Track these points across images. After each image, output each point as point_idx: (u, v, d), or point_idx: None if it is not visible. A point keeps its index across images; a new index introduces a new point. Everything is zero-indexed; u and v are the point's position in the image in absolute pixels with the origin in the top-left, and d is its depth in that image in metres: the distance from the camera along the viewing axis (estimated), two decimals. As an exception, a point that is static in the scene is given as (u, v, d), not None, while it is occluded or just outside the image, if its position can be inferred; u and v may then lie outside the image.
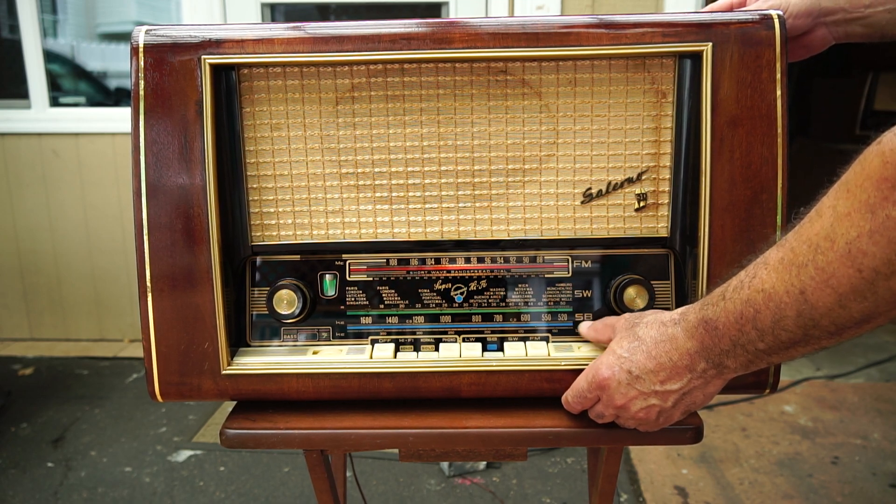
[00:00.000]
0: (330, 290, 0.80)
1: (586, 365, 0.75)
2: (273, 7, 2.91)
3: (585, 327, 0.77)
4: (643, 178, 0.77)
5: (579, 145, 0.76)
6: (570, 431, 0.75)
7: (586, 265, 0.79)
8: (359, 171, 0.77)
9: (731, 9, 0.81)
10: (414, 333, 0.80)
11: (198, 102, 0.73)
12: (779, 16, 0.72)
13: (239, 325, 0.80)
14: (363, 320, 0.80)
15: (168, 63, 0.73)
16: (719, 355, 0.64)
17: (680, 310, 0.67)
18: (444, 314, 0.80)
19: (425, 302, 0.80)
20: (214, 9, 2.78)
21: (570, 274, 0.79)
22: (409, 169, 0.77)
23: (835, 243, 0.53)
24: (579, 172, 0.77)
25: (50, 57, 3.09)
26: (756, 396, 2.46)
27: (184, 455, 2.18)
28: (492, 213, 0.78)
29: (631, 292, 0.77)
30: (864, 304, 0.54)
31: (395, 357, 0.77)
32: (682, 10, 2.23)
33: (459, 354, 0.77)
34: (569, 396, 0.74)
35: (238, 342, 0.80)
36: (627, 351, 0.68)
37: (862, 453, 2.15)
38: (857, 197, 0.51)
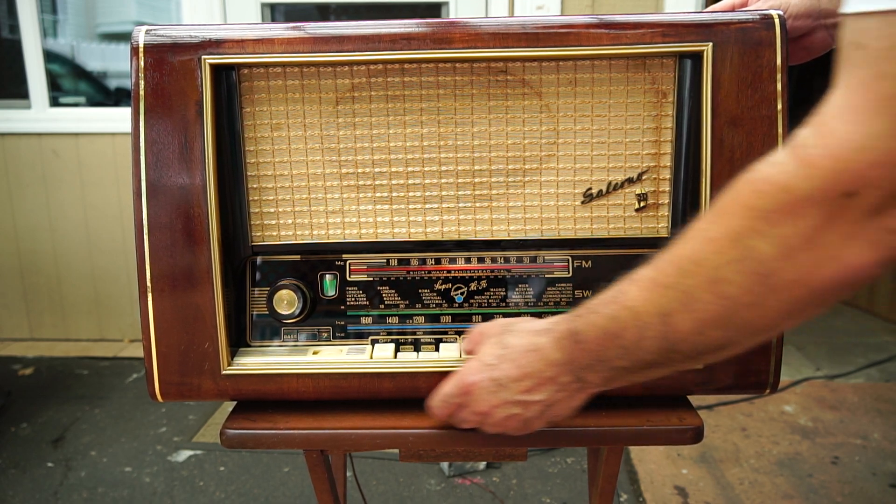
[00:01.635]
0: (330, 291, 0.80)
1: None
2: (273, 7, 2.91)
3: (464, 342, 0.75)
4: (643, 178, 0.77)
5: (579, 145, 0.76)
6: (570, 431, 0.75)
7: (587, 265, 0.79)
8: (359, 171, 0.77)
9: (732, 9, 0.81)
10: (414, 333, 0.80)
11: (198, 102, 0.73)
12: (779, 16, 0.72)
13: (239, 325, 0.80)
14: (363, 320, 0.80)
15: (168, 63, 0.73)
16: (582, 369, 0.62)
17: (552, 319, 0.65)
18: (445, 314, 0.80)
19: (425, 302, 0.80)
20: (214, 9, 2.78)
21: (570, 274, 0.79)
22: (410, 169, 0.77)
23: (700, 268, 0.52)
24: (579, 172, 0.77)
25: (50, 57, 3.09)
26: (756, 396, 2.46)
27: (184, 455, 2.18)
28: (492, 213, 0.78)
29: (631, 292, 0.77)
30: (722, 332, 0.53)
31: (396, 357, 0.77)
32: (683, 10, 2.23)
33: (460, 355, 0.77)
34: (433, 402, 0.71)
35: (238, 342, 0.80)
36: (495, 358, 0.66)
37: (862, 453, 2.15)
38: (726, 224, 0.51)
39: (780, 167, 0.48)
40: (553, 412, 0.66)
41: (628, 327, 0.57)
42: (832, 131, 0.45)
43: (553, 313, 0.79)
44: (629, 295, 0.57)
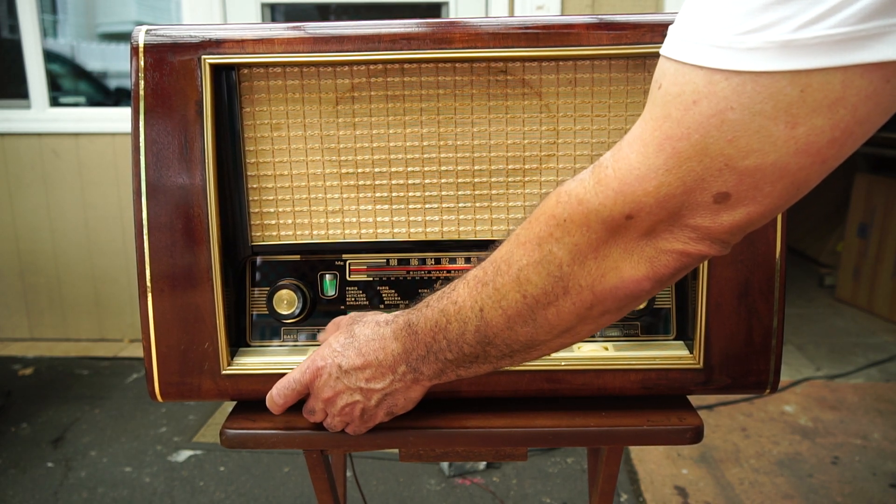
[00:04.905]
0: (330, 290, 0.80)
1: (586, 365, 0.75)
2: (273, 7, 2.91)
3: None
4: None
5: (579, 145, 0.76)
6: (570, 431, 0.75)
7: (586, 265, 0.79)
8: (359, 171, 0.77)
9: None
10: (414, 333, 0.80)
11: (198, 102, 0.73)
12: (779, 16, 0.72)
13: (239, 325, 0.80)
14: (363, 320, 0.80)
15: (168, 63, 0.73)
16: (416, 360, 0.66)
17: (396, 312, 0.69)
18: (445, 314, 0.80)
19: (425, 302, 0.80)
20: (214, 9, 2.78)
21: (570, 274, 0.79)
22: (409, 169, 0.77)
23: (510, 267, 0.57)
24: (579, 172, 0.76)
25: (50, 57, 3.09)
26: (756, 396, 2.46)
27: (184, 455, 2.18)
28: (492, 213, 0.77)
29: (631, 292, 0.77)
30: (527, 328, 0.59)
31: (396, 357, 0.77)
32: (682, 10, 2.23)
33: None
34: (275, 391, 0.72)
35: (238, 342, 0.80)
36: (342, 346, 0.69)
37: (862, 453, 2.15)
38: (533, 229, 0.56)
39: (580, 183, 0.53)
40: (392, 402, 0.70)
41: (452, 321, 0.62)
42: (624, 157, 0.50)
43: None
44: (457, 291, 0.62)
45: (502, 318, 0.59)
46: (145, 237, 0.75)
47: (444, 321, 0.63)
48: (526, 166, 0.76)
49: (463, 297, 0.61)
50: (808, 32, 0.41)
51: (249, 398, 0.78)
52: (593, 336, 0.79)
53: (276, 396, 0.72)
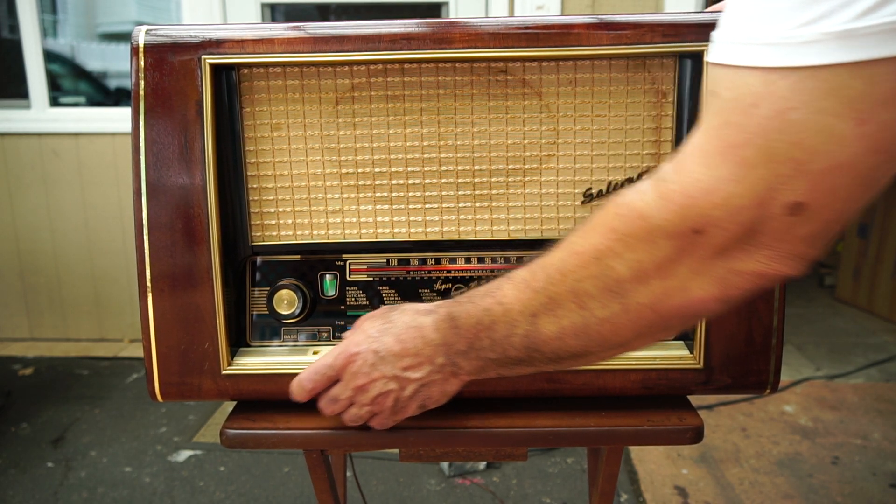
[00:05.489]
0: (330, 290, 0.80)
1: (587, 365, 0.75)
2: (273, 7, 2.91)
3: None
4: (644, 178, 0.76)
5: (580, 145, 0.76)
6: (571, 431, 0.75)
7: (586, 265, 0.79)
8: (359, 171, 0.77)
9: None
10: (414, 333, 0.80)
11: (198, 102, 0.73)
12: (779, 16, 0.72)
13: (239, 325, 0.80)
14: (363, 320, 0.80)
15: (168, 63, 0.73)
16: (456, 354, 0.64)
17: (437, 302, 0.67)
18: (445, 314, 0.80)
19: (426, 302, 0.80)
20: (214, 9, 2.78)
21: (570, 274, 0.79)
22: (410, 169, 0.77)
23: (565, 278, 0.55)
24: (580, 172, 0.77)
25: (50, 57, 3.09)
26: (756, 396, 2.46)
27: (184, 455, 2.18)
28: (492, 213, 0.78)
29: (631, 292, 0.77)
30: (579, 341, 0.56)
31: (396, 357, 0.77)
32: (683, 10, 2.23)
33: None
34: (304, 376, 0.70)
35: (238, 342, 0.80)
36: (378, 331, 0.67)
37: (862, 453, 2.15)
38: (590, 240, 0.54)
39: (641, 195, 0.51)
40: (427, 394, 0.67)
41: (498, 322, 0.60)
42: (687, 170, 0.47)
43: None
44: (503, 291, 0.60)
45: (554, 329, 0.57)
46: (145, 237, 0.75)
47: (488, 320, 0.60)
48: (526, 166, 0.76)
49: (510, 299, 0.59)
50: (869, 20, 0.38)
51: (250, 398, 0.78)
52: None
53: (306, 381, 0.70)
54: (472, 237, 0.78)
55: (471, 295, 0.63)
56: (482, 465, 2.06)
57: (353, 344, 0.68)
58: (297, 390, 0.70)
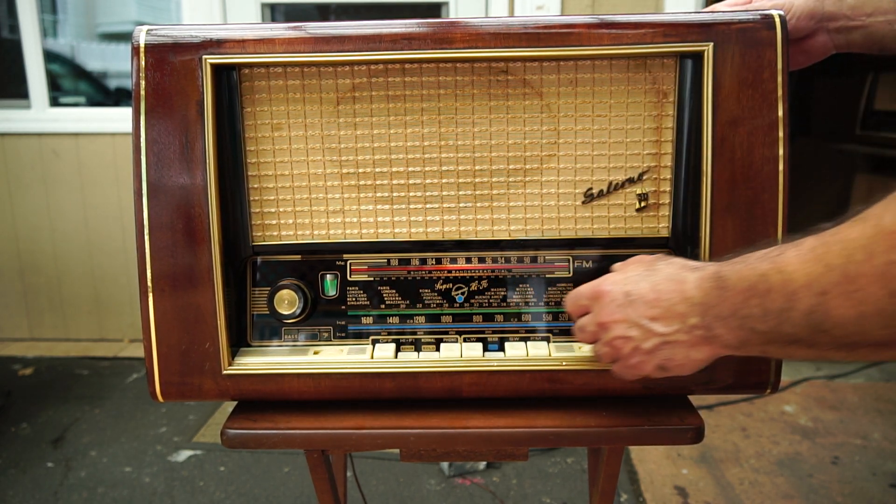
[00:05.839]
0: (331, 290, 0.80)
1: (587, 365, 0.75)
2: (273, 7, 2.91)
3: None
4: (644, 178, 0.77)
5: (580, 145, 0.76)
6: (571, 431, 0.75)
7: (587, 265, 0.79)
8: (360, 171, 0.77)
9: (734, 7, 0.81)
10: (415, 333, 0.80)
11: (199, 102, 0.73)
12: (780, 16, 0.72)
13: (240, 325, 0.80)
14: (364, 320, 0.80)
15: (169, 63, 0.73)
16: (714, 318, 0.59)
17: (707, 261, 0.64)
18: (445, 314, 0.80)
19: (426, 302, 0.80)
20: (214, 9, 2.78)
21: (570, 274, 0.79)
22: (410, 169, 0.77)
23: (872, 258, 0.48)
24: (580, 172, 0.77)
25: (50, 57, 3.09)
26: (756, 396, 2.46)
27: (184, 455, 2.17)
28: (493, 213, 0.78)
29: (632, 292, 0.77)
30: (886, 331, 0.49)
31: (396, 357, 0.77)
32: (683, 10, 2.23)
33: (460, 354, 0.77)
34: (568, 296, 0.72)
35: (239, 342, 0.80)
36: (637, 276, 0.65)
37: (862, 453, 2.15)
38: None
39: None
40: (669, 355, 0.63)
41: (775, 291, 0.54)
42: None
43: (554, 314, 0.79)
44: (786, 258, 0.54)
45: (853, 312, 0.49)
46: (146, 237, 0.75)
47: (763, 287, 0.54)
48: (527, 166, 0.76)
49: (794, 268, 0.52)
50: None
51: (250, 398, 0.78)
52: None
53: (567, 304, 0.71)
54: (472, 237, 0.78)
55: (745, 256, 0.58)
56: (482, 465, 2.06)
57: (609, 282, 0.66)
58: (567, 306, 0.72)
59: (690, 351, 0.62)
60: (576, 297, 0.70)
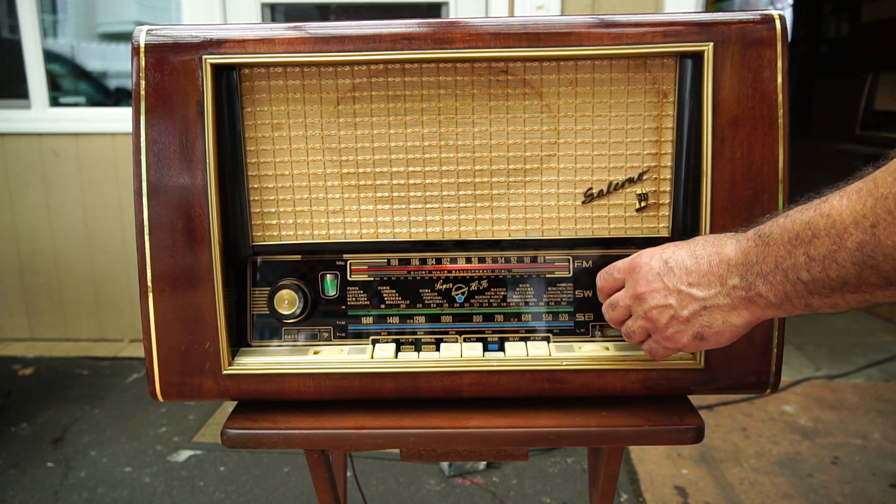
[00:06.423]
0: (331, 290, 0.80)
1: (587, 365, 0.75)
2: (273, 7, 2.91)
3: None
4: (644, 178, 0.77)
5: (580, 145, 0.76)
6: (571, 431, 0.75)
7: (587, 265, 0.79)
8: (360, 171, 0.77)
9: None
10: (415, 333, 0.80)
11: (199, 102, 0.73)
12: (780, 16, 0.72)
13: (240, 325, 0.80)
14: (364, 320, 0.80)
15: (169, 63, 0.73)
16: (756, 276, 0.58)
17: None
18: (445, 314, 0.80)
19: (426, 302, 0.80)
20: (214, 9, 2.78)
21: (570, 274, 0.79)
22: (410, 169, 0.77)
23: None
24: (580, 172, 0.77)
25: (50, 57, 3.09)
26: (756, 396, 2.46)
27: (184, 455, 2.17)
28: (493, 213, 0.78)
29: (632, 292, 0.77)
30: None
31: (396, 357, 0.77)
32: (683, 10, 2.23)
33: (460, 354, 0.77)
34: (600, 273, 0.71)
35: (239, 342, 0.80)
36: (676, 245, 0.65)
37: (862, 453, 2.15)
38: None
39: None
40: (707, 321, 0.62)
41: (822, 235, 0.53)
42: None
43: (554, 313, 0.79)
44: (830, 203, 0.53)
45: None
46: (146, 237, 0.75)
47: (808, 234, 0.54)
48: (527, 166, 0.76)
49: (839, 209, 0.52)
50: None
51: (250, 398, 0.78)
52: (594, 336, 0.79)
53: (599, 279, 0.71)
54: (472, 237, 0.78)
55: (783, 213, 0.57)
56: (482, 465, 2.06)
57: (647, 253, 0.66)
58: (598, 283, 0.71)
59: (730, 315, 0.62)
60: (610, 271, 0.70)
